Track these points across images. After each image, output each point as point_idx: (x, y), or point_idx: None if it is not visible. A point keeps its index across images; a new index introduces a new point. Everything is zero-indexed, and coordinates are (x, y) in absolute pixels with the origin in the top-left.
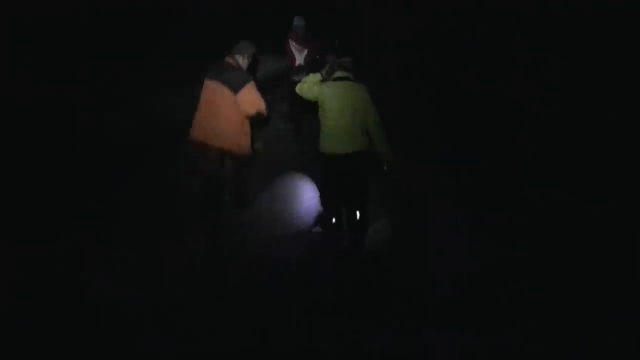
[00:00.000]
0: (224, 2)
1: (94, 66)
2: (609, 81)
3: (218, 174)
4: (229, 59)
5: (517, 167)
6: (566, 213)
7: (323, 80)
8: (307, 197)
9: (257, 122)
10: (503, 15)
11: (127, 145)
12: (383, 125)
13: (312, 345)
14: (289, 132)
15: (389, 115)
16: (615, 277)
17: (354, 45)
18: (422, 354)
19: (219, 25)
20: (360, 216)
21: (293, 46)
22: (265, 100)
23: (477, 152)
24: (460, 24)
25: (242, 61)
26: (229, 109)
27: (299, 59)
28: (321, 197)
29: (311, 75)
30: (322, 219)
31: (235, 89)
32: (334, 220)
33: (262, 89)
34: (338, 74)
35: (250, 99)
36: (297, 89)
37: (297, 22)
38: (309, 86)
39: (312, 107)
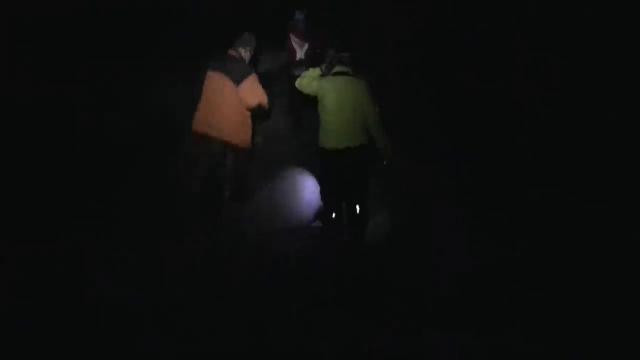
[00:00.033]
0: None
1: (94, 66)
2: (609, 81)
3: (219, 166)
4: (231, 52)
5: (517, 167)
6: (566, 213)
7: (323, 75)
8: (307, 191)
9: (258, 115)
10: (503, 15)
11: (127, 145)
12: (382, 120)
13: (312, 345)
14: (289, 127)
15: (389, 115)
16: (615, 276)
17: (354, 44)
18: (422, 354)
19: (219, 23)
20: (360, 211)
21: (294, 41)
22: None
23: (477, 152)
24: (460, 23)
25: (245, 54)
26: (231, 101)
27: (300, 53)
28: (321, 192)
29: (311, 70)
30: (322, 213)
31: (238, 80)
32: (334, 215)
33: (263, 83)
34: (338, 69)
35: (253, 91)
36: (297, 84)
37: (298, 16)
38: (308, 81)
39: (312, 102)
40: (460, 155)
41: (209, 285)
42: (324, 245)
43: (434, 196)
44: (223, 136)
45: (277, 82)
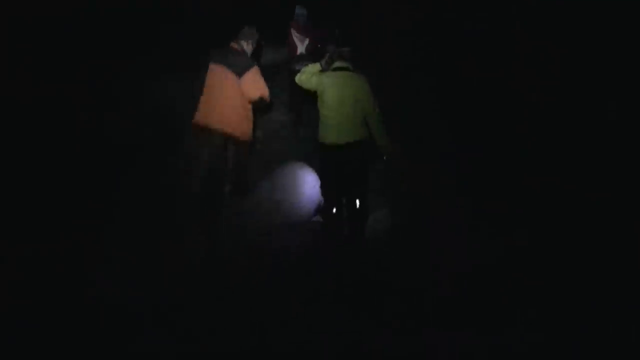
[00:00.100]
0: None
1: (94, 66)
2: (609, 70)
3: (220, 159)
4: (234, 44)
5: (517, 156)
6: (566, 202)
7: (322, 70)
8: (307, 186)
9: (259, 108)
10: (503, 4)
11: (127, 145)
12: (382, 116)
13: (312, 345)
14: (290, 122)
15: (389, 105)
16: (615, 267)
17: (354, 34)
18: (422, 354)
19: (219, 22)
20: (360, 205)
21: (295, 35)
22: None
23: (477, 141)
24: (460, 13)
25: (247, 46)
26: (233, 93)
27: (301, 48)
28: (321, 186)
29: (310, 65)
30: (322, 208)
31: (240, 73)
32: (334, 209)
33: (264, 76)
34: (337, 64)
35: (254, 83)
36: (297, 79)
37: (299, 10)
38: (307, 76)
39: (312, 96)
40: (460, 144)
41: (209, 285)
42: (324, 240)
43: (433, 186)
44: (224, 128)
45: (278, 76)
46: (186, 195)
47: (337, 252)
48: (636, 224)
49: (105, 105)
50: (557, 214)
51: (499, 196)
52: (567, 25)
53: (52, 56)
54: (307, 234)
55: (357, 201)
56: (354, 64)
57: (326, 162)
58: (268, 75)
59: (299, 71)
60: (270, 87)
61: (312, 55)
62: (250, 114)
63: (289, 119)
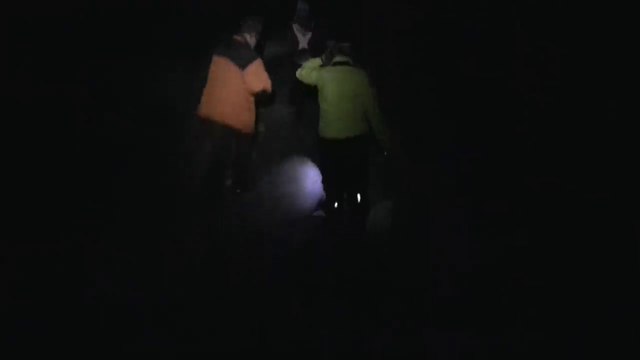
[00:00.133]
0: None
1: (94, 66)
2: (609, 70)
3: (223, 150)
4: (237, 37)
5: (516, 156)
6: (566, 202)
7: (323, 65)
8: (309, 181)
9: (261, 100)
10: (503, 4)
11: (127, 145)
12: (382, 110)
13: (312, 345)
14: (291, 116)
15: (389, 105)
16: (615, 267)
17: (354, 34)
18: (422, 354)
19: (218, 20)
20: (361, 199)
21: (297, 30)
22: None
23: (477, 141)
24: (460, 13)
25: (250, 39)
26: (236, 85)
27: (303, 42)
28: (322, 181)
29: (311, 60)
30: (324, 203)
31: (243, 65)
32: (335, 204)
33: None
34: (337, 58)
35: (257, 76)
36: (297, 74)
37: (301, 5)
38: (307, 71)
39: (313, 91)
40: (460, 145)
41: (209, 285)
42: (326, 235)
43: (433, 185)
44: (226, 120)
45: (279, 70)
46: (186, 194)
47: (338, 246)
48: (636, 224)
49: (105, 105)
50: (557, 214)
51: (499, 196)
52: (567, 25)
53: (52, 56)
54: (308, 229)
55: (358, 195)
56: (354, 58)
57: (326, 156)
58: (270, 68)
59: (300, 65)
60: (272, 81)
61: (313, 50)
62: (253, 106)
63: (291, 114)
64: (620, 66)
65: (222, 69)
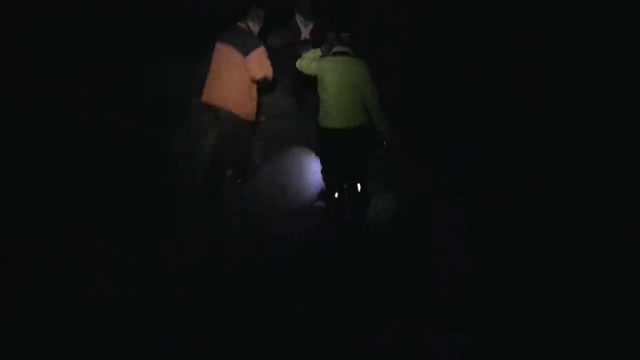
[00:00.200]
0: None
1: (94, 66)
2: (608, 70)
3: (225, 137)
4: (241, 24)
5: (517, 155)
6: (566, 202)
7: (323, 56)
8: (309, 171)
9: (262, 88)
10: (503, 4)
11: (127, 144)
12: (382, 101)
13: (312, 344)
14: (292, 106)
15: (389, 104)
16: (615, 266)
17: (355, 35)
18: (422, 354)
19: (218, 19)
20: (361, 189)
21: (299, 20)
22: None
23: (477, 141)
24: (460, 13)
25: (254, 26)
26: (238, 72)
27: (305, 33)
28: (322, 171)
29: (311, 50)
30: (324, 193)
31: (246, 52)
32: (336, 194)
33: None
34: (337, 48)
35: (260, 63)
36: (297, 64)
37: None
38: (307, 62)
39: (313, 81)
40: (460, 144)
41: (209, 285)
42: (327, 226)
43: (433, 185)
44: (228, 107)
45: (281, 61)
46: (186, 194)
47: (339, 239)
48: (636, 223)
49: (105, 105)
50: (557, 213)
51: (499, 196)
52: (567, 25)
53: (52, 56)
54: (309, 220)
55: (359, 186)
56: (353, 49)
57: (326, 146)
58: (272, 58)
59: (301, 56)
60: (273, 71)
61: (316, 41)
62: (255, 94)
63: (291, 104)
64: (620, 66)
65: (225, 56)
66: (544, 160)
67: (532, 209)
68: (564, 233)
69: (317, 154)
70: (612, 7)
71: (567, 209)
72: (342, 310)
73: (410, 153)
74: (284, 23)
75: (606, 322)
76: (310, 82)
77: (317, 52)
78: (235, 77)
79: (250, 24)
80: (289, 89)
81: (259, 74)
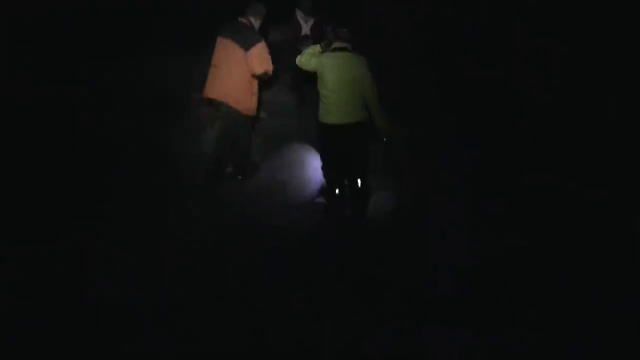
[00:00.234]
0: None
1: (94, 66)
2: (608, 67)
3: (227, 131)
4: (242, 19)
5: (516, 153)
6: (565, 199)
7: (322, 52)
8: (310, 168)
9: (262, 84)
10: (503, 1)
11: (127, 144)
12: (380, 97)
13: (312, 342)
14: (292, 102)
15: (388, 102)
16: (615, 267)
17: (354, 32)
18: (422, 353)
19: (218, 18)
20: (361, 185)
21: (300, 16)
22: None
23: (477, 138)
24: (460, 10)
25: (255, 22)
26: (239, 67)
27: (305, 29)
28: (322, 167)
29: (311, 47)
30: (325, 189)
31: (247, 47)
32: (337, 191)
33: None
34: (336, 44)
35: (260, 58)
36: (297, 60)
37: None
38: (307, 58)
39: (314, 77)
40: (460, 141)
41: (209, 285)
42: (328, 222)
43: (433, 182)
44: (229, 102)
45: (282, 57)
46: (186, 193)
47: (339, 236)
48: (636, 221)
49: (105, 105)
50: (557, 211)
51: (499, 193)
52: (567, 23)
53: (52, 56)
54: (309, 216)
55: (359, 180)
56: (352, 44)
57: (326, 142)
58: (272, 54)
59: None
60: (274, 67)
61: (316, 37)
62: (256, 89)
63: (291, 100)
64: (619, 63)
65: (226, 51)
66: (543, 158)
67: (531, 206)
68: (564, 231)
69: (317, 150)
70: (611, 4)
71: (566, 206)
72: (342, 307)
73: (410, 150)
74: (284, 19)
75: (606, 322)
76: (310, 78)
77: (317, 48)
78: (236, 72)
79: (252, 19)
80: (289, 85)
81: (259, 69)
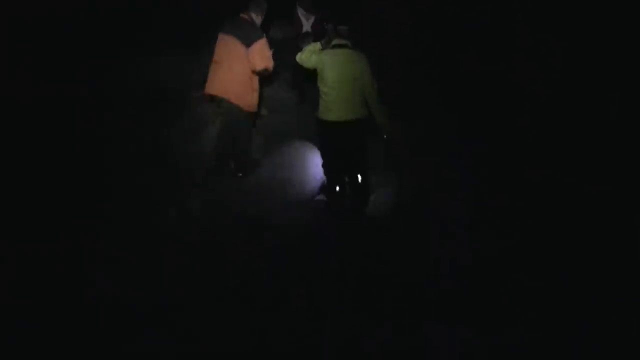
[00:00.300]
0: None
1: (94, 66)
2: (609, 63)
3: (229, 127)
4: (244, 15)
5: (518, 149)
6: (567, 195)
7: (322, 49)
8: (310, 164)
9: (263, 80)
10: None
11: (127, 144)
12: (382, 94)
13: (312, 339)
14: (293, 99)
15: (390, 98)
16: (616, 266)
17: (355, 29)
18: (422, 349)
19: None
20: (362, 182)
21: (301, 13)
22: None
23: (478, 134)
24: (461, 6)
25: (256, 18)
26: (241, 64)
27: (306, 26)
28: (323, 164)
29: (311, 44)
30: (325, 186)
31: (248, 43)
32: (337, 187)
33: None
34: (336, 41)
35: (261, 54)
36: (297, 58)
37: None
38: (307, 55)
39: (314, 74)
40: (462, 138)
41: (209, 285)
42: (328, 219)
43: (435, 179)
44: (230, 98)
45: (282, 54)
46: (186, 193)
47: (340, 233)
48: (637, 218)
49: (105, 105)
50: (558, 207)
51: (500, 189)
52: (568, 19)
53: (52, 56)
54: (310, 213)
55: (359, 178)
56: (353, 41)
57: (326, 139)
58: (273, 51)
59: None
60: (274, 64)
61: (317, 34)
62: (257, 85)
63: (292, 97)
64: (621, 60)
65: (227, 47)
66: (545, 154)
67: (533, 203)
68: (565, 229)
69: (317, 147)
70: (613, 1)
71: (568, 202)
72: (342, 304)
73: (410, 146)
74: (285, 16)
75: (606, 321)
76: (311, 76)
77: (317, 45)
78: (238, 68)
79: (253, 15)
80: (289, 82)
81: (260, 65)
